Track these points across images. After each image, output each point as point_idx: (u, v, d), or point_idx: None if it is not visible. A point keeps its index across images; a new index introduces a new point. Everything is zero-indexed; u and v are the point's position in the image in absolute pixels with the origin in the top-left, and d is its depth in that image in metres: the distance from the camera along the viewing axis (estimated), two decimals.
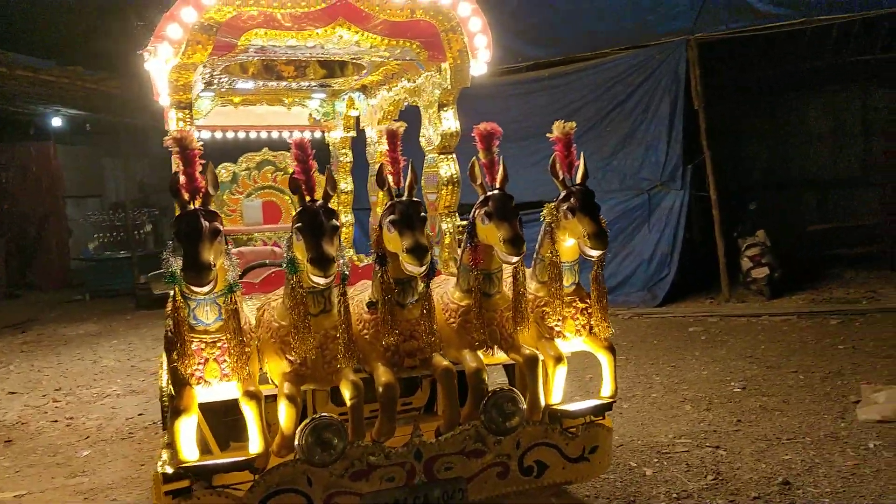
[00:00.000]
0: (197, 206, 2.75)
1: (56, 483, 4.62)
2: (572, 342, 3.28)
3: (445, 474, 2.98)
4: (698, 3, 9.32)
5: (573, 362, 3.29)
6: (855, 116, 12.77)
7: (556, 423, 3.17)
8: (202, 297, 2.76)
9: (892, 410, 4.66)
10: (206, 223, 2.68)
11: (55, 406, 6.44)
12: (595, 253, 3.06)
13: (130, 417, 5.94)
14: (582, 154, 3.22)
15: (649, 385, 5.95)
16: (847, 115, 12.83)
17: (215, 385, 2.83)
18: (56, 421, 5.98)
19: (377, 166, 5.29)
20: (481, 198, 3.08)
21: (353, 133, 5.81)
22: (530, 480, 3.13)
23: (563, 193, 3.16)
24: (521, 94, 10.06)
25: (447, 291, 3.30)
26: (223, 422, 3.29)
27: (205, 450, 2.98)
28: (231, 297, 2.80)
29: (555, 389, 3.18)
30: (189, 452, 2.73)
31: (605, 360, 3.26)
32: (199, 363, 2.81)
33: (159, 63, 3.74)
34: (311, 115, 5.93)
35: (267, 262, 4.64)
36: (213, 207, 2.81)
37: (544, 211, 3.22)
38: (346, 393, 2.88)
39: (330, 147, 5.83)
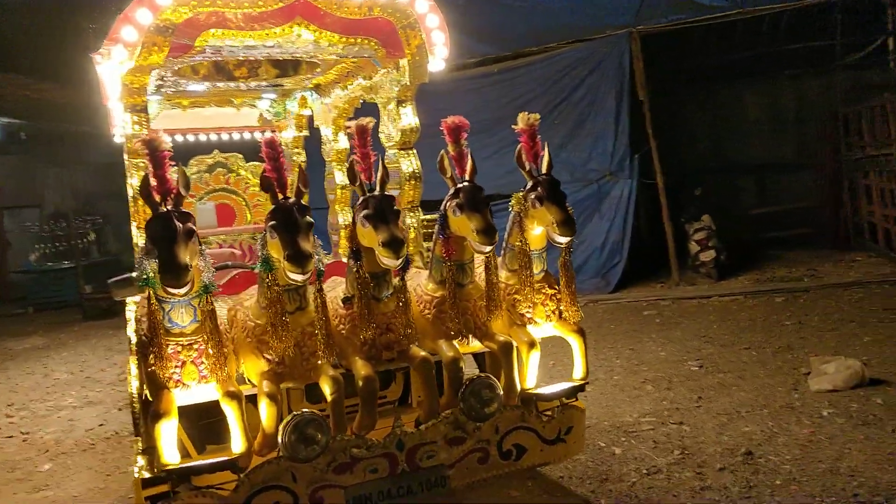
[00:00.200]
0: (169, 208, 2.73)
1: (19, 498, 4.50)
2: (543, 328, 3.37)
3: (428, 462, 3.03)
4: None
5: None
6: (789, 103, 13.28)
7: (532, 406, 3.25)
8: (177, 300, 2.75)
9: (842, 380, 4.91)
10: (180, 224, 2.66)
11: (9, 422, 6.23)
12: (564, 239, 3.15)
13: (90, 429, 5.80)
14: (546, 144, 3.30)
15: (610, 368, 6.10)
16: (782, 102, 13.32)
17: (194, 387, 2.82)
18: (11, 437, 5.80)
19: (332, 164, 5.33)
20: (452, 190, 3.13)
21: (305, 132, 5.79)
22: (510, 464, 3.21)
23: (530, 183, 3.24)
24: (471, 90, 10.19)
25: (420, 284, 3.35)
26: (198, 425, 3.26)
27: (182, 454, 2.96)
28: (207, 298, 2.79)
29: (529, 374, 3.27)
30: (171, 456, 2.72)
31: (575, 343, 3.36)
32: (176, 366, 2.80)
33: (112, 66, 3.68)
34: (261, 115, 5.89)
35: (230, 263, 4.60)
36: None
37: (513, 201, 3.29)
38: (327, 388, 2.90)
39: (282, 147, 5.79)
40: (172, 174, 2.78)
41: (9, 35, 11.90)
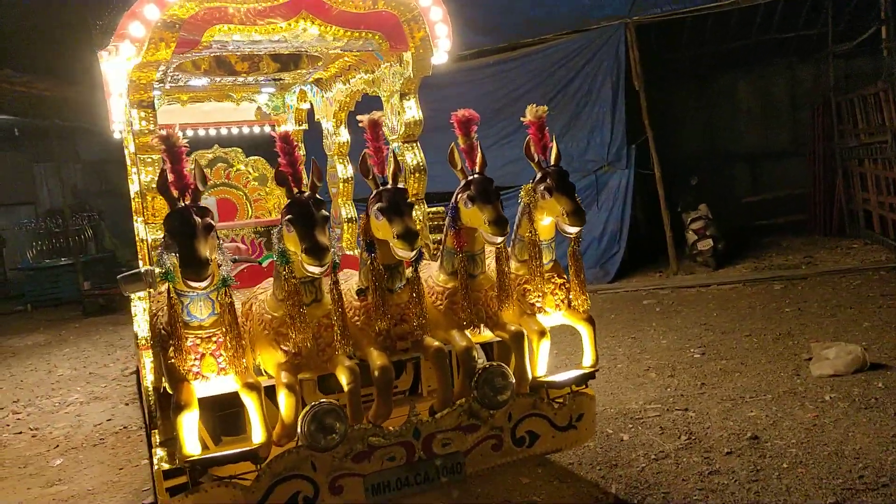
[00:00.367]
0: (187, 203, 2.77)
1: (33, 493, 4.53)
2: (553, 316, 3.42)
3: (443, 450, 3.08)
4: None
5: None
6: (783, 91, 13.37)
7: (543, 393, 3.31)
8: (196, 294, 2.78)
9: (843, 365, 4.99)
10: (199, 219, 2.70)
11: (16, 418, 6.26)
12: (573, 230, 3.20)
13: (99, 424, 5.83)
14: (554, 136, 3.35)
15: (613, 357, 6.17)
16: (776, 91, 13.41)
17: (213, 379, 2.87)
18: (20, 433, 5.83)
19: (334, 158, 5.35)
20: (463, 182, 3.17)
21: (305, 126, 5.81)
22: (523, 450, 3.26)
23: (539, 175, 3.28)
24: (468, 82, 10.19)
25: (431, 275, 3.39)
26: (215, 416, 3.31)
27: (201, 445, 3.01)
28: (226, 291, 2.83)
29: (540, 362, 3.32)
30: (193, 447, 2.76)
31: (584, 331, 3.42)
32: (195, 359, 2.84)
33: (119, 62, 3.70)
34: (259, 109, 5.90)
35: (236, 258, 4.63)
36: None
37: (522, 192, 3.34)
38: (343, 378, 2.95)
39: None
40: (189, 169, 2.81)
41: (2, 31, 11.85)
